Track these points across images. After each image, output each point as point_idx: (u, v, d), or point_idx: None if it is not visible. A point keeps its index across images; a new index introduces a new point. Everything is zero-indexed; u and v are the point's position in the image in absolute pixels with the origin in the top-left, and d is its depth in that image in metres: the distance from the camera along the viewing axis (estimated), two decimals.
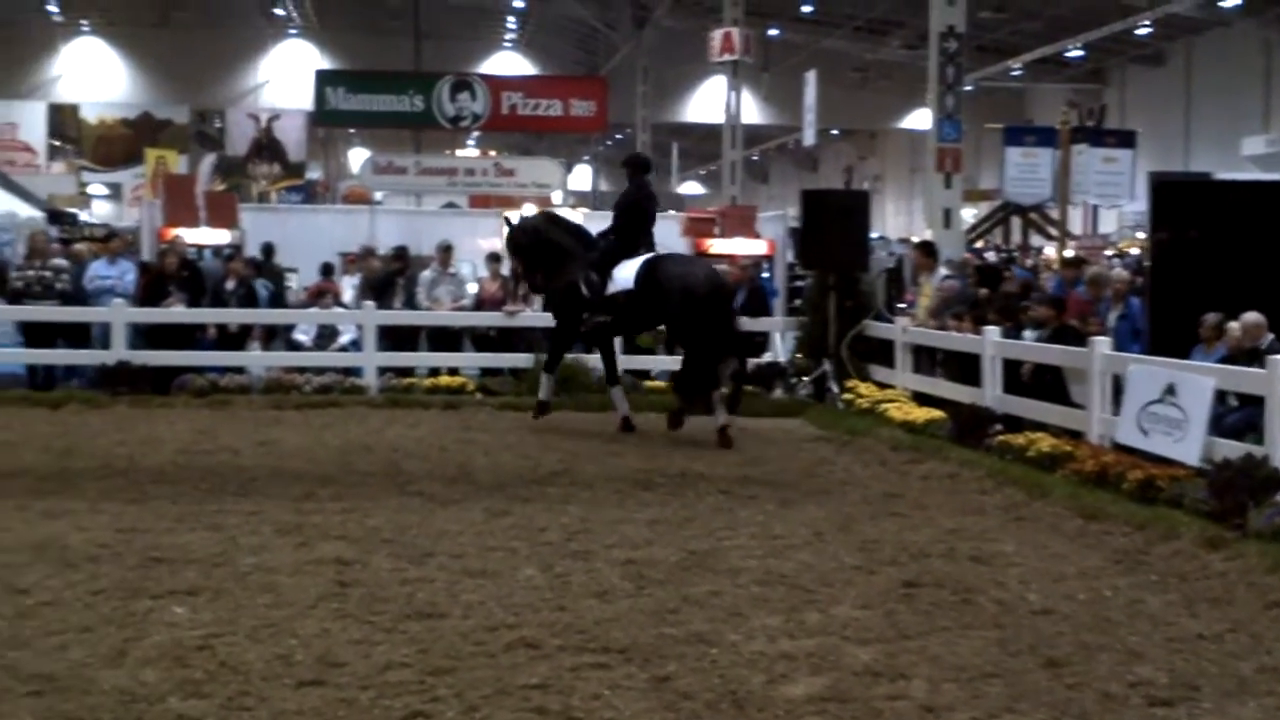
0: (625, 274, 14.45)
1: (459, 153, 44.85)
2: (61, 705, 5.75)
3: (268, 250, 20.16)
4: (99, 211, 47.83)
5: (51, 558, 8.27)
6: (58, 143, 55.63)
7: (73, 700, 5.81)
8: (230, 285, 18.46)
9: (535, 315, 17.71)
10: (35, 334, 17.80)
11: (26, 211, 28.95)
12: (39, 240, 19.11)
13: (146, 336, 17.56)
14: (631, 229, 14.89)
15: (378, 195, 33.62)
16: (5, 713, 5.65)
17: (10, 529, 9.05)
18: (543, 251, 15.41)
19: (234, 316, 18.09)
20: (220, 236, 20.72)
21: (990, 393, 14.03)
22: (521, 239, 15.65)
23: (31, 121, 53.64)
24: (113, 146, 54.65)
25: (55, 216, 31.47)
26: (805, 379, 17.11)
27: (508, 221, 16.06)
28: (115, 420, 14.83)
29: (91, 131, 55.27)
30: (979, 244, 35.03)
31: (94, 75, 54.69)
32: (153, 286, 18.15)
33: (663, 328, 16.12)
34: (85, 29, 54.91)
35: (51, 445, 12.89)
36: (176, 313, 17.66)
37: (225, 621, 6.99)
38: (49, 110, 54.48)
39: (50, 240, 20.11)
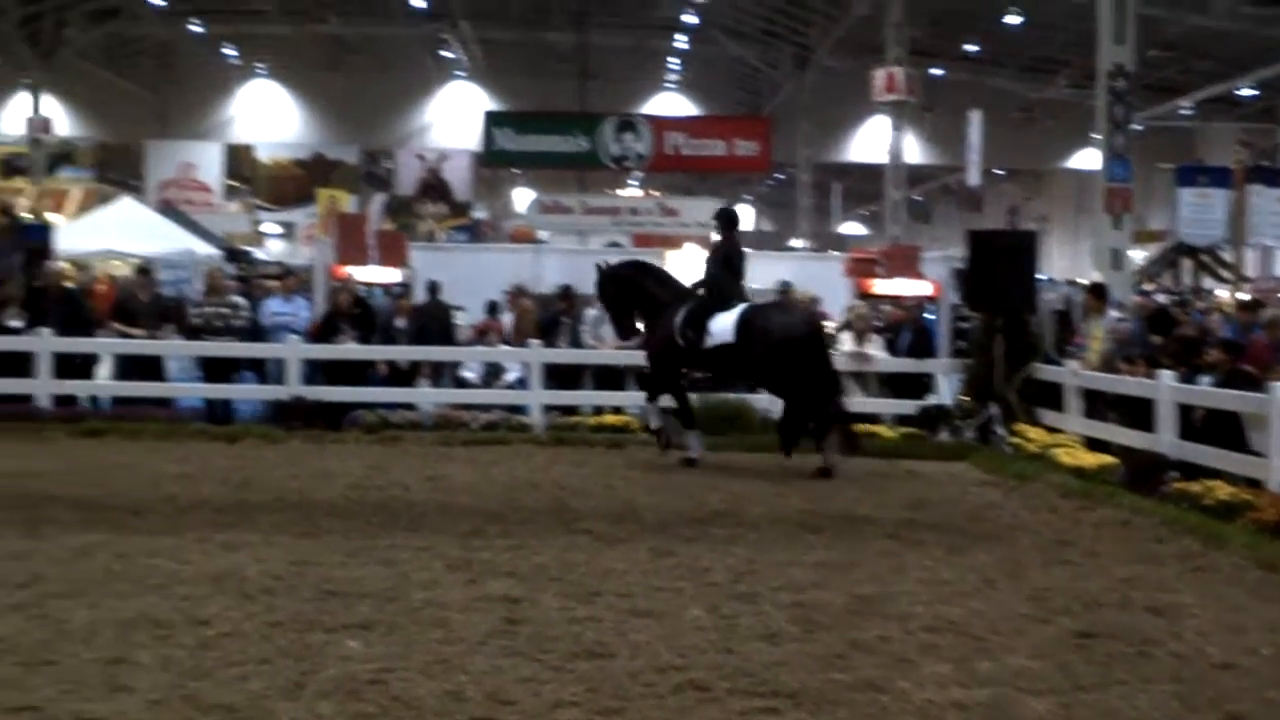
0: (723, 325, 14.71)
1: (622, 192, 45.18)
2: None
3: (433, 288, 20.47)
4: (273, 249, 48.97)
5: (230, 589, 8.44)
6: (233, 182, 57.21)
7: None
8: (400, 323, 18.80)
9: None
10: (213, 369, 18.27)
11: (204, 249, 29.69)
12: (216, 278, 19.65)
13: (320, 372, 17.93)
14: (723, 282, 15.15)
15: (542, 234, 34.01)
16: None
17: (191, 561, 9.26)
18: (634, 300, 15.67)
19: (404, 354, 18.41)
20: (390, 275, 21.09)
21: (1165, 438, 13.70)
22: (611, 288, 15.87)
23: (209, 162, 55.26)
24: (286, 186, 56.06)
25: (231, 254, 32.27)
26: (970, 422, 16.89)
27: (599, 268, 16.19)
28: (289, 454, 15.17)
29: (266, 171, 56.77)
30: (1148, 286, 34.36)
31: (268, 117, 56.26)
32: (325, 323, 18.56)
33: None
34: (261, 72, 56.50)
35: (229, 478, 13.21)
36: (349, 349, 18.01)
37: (397, 656, 7.07)
38: (225, 151, 56.09)
39: (227, 277, 20.66)
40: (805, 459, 14.76)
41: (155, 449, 15.33)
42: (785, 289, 20.05)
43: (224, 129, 56.62)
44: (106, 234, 28.35)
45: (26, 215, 33.31)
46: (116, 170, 59.09)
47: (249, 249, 40.36)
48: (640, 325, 15.91)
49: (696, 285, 15.47)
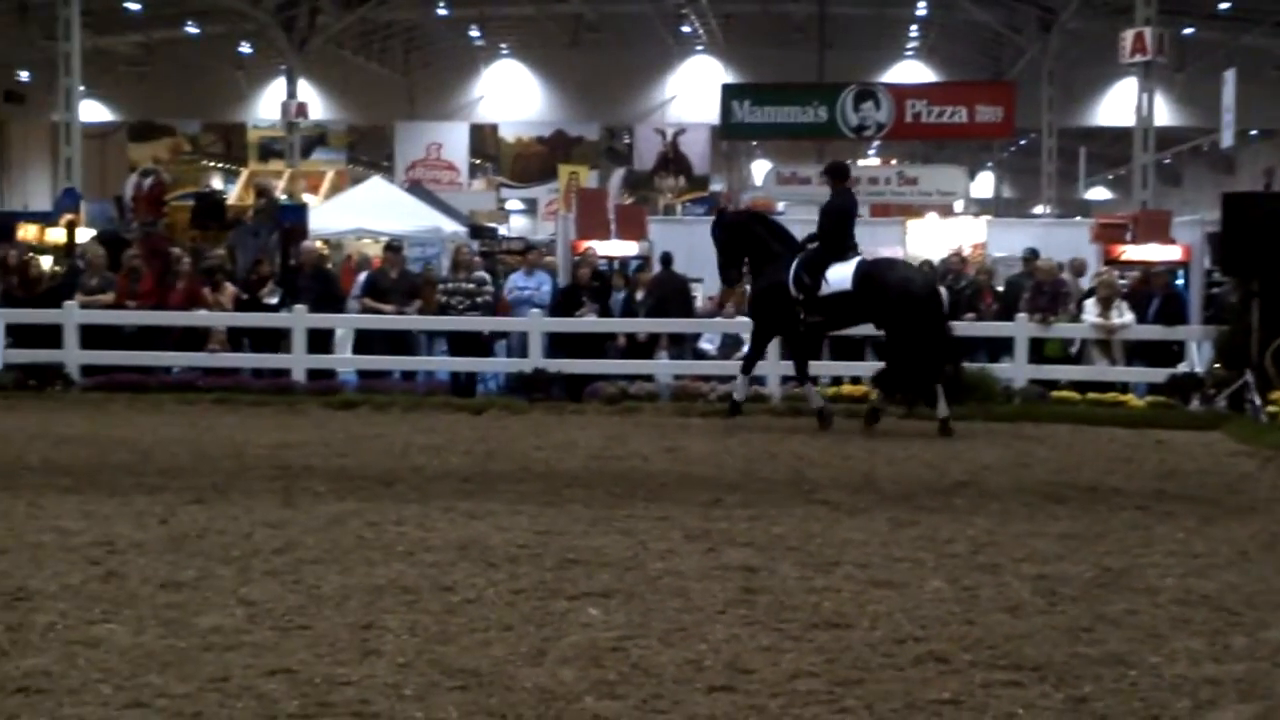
0: (840, 275, 15.04)
1: (861, 162, 44.65)
2: (485, 700, 5.91)
3: (666, 259, 20.54)
4: (516, 225, 49.86)
5: (474, 557, 8.59)
6: (478, 161, 58.39)
7: (495, 696, 5.98)
8: (639, 295, 18.95)
9: None
10: (459, 342, 18.68)
11: (450, 227, 30.39)
12: (462, 254, 20.07)
13: (560, 345, 18.18)
14: (837, 234, 15.40)
15: (780, 205, 33.89)
16: (433, 705, 5.85)
17: (436, 529, 9.47)
18: (747, 248, 15.98)
19: (643, 325, 18.55)
20: (629, 248, 21.28)
21: None
22: (725, 234, 16.19)
23: (455, 141, 56.51)
24: (529, 163, 57.12)
25: (476, 231, 32.92)
26: (1224, 390, 16.32)
27: (718, 213, 16.88)
28: (531, 425, 15.43)
29: (509, 149, 57.87)
30: None
31: (511, 96, 57.21)
32: (566, 297, 18.81)
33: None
34: (504, 52, 57.49)
35: (474, 449, 13.49)
36: (589, 322, 18.23)
37: (637, 624, 7.11)
38: (470, 130, 57.26)
39: (472, 254, 21.08)
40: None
41: (403, 421, 15.77)
42: (1030, 256, 19.65)
43: (469, 109, 57.80)
44: (357, 213, 29.21)
45: (282, 197, 34.54)
46: (367, 152, 60.93)
47: (493, 225, 41.14)
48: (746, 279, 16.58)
49: (809, 239, 15.63)
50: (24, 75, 56.27)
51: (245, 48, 55.36)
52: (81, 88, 38.83)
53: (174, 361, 18.59)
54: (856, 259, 15.26)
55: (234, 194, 40.64)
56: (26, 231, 30.10)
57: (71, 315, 18.19)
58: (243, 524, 9.57)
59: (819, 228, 15.61)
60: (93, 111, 54.31)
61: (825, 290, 15.06)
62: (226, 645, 6.66)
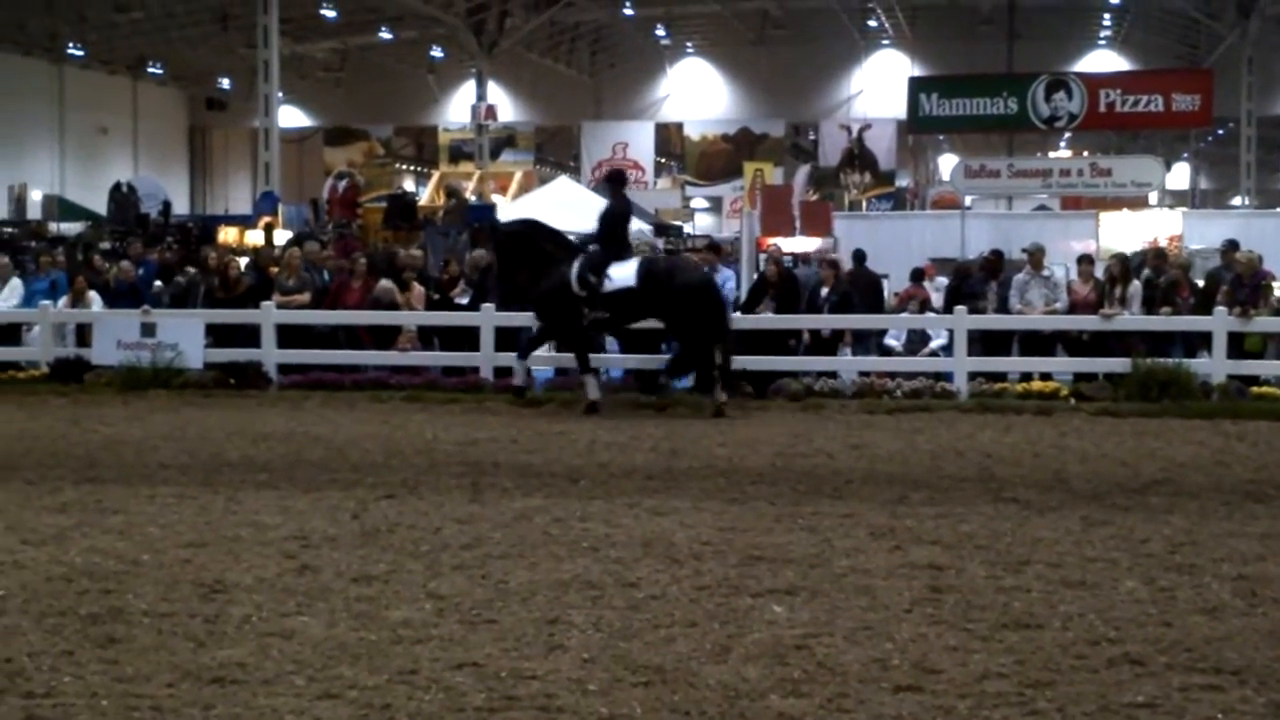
0: (624, 274, 16.13)
1: (1052, 154, 43.81)
2: (669, 696, 5.93)
3: (859, 257, 20.42)
4: (700, 223, 49.92)
5: (659, 553, 8.62)
6: (663, 159, 58.60)
7: (679, 692, 5.99)
8: (823, 292, 18.81)
9: (1133, 319, 17.20)
10: (643, 340, 18.70)
11: (635, 225, 30.52)
12: (645, 252, 20.15)
13: (745, 342, 18.10)
14: (614, 237, 16.71)
15: (967, 200, 33.42)
16: (617, 700, 5.88)
17: (621, 525, 9.52)
18: (526, 255, 16.88)
19: (827, 322, 18.41)
20: (813, 244, 21.18)
21: None
22: (506, 242, 17.41)
23: (640, 140, 56.83)
24: (713, 161, 57.15)
25: (661, 229, 33.03)
26: None
27: (492, 226, 18.21)
28: (715, 422, 15.40)
29: (694, 148, 57.97)
30: None
31: (697, 94, 57.33)
32: (754, 293, 18.76)
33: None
34: (690, 51, 57.64)
35: (658, 446, 13.52)
36: (772, 319, 18.14)
37: (822, 622, 7.07)
38: (656, 129, 57.54)
39: (657, 252, 21.16)
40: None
41: (588, 418, 15.85)
42: (1229, 248, 19.09)
43: (655, 108, 58.09)
44: (544, 213, 29.43)
45: (472, 197, 35.08)
46: (554, 152, 61.57)
47: (678, 223, 41.26)
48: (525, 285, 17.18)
49: (587, 241, 16.76)
50: (225, 83, 58.04)
51: (436, 52, 56.32)
52: (280, 94, 39.88)
53: (367, 360, 18.94)
54: (637, 259, 16.68)
55: (425, 195, 41.43)
56: (227, 234, 31.06)
57: (269, 315, 18.67)
58: (432, 519, 9.74)
59: (598, 230, 16.80)
60: (290, 117, 55.77)
61: (608, 287, 16.06)
62: (415, 638, 6.78)
